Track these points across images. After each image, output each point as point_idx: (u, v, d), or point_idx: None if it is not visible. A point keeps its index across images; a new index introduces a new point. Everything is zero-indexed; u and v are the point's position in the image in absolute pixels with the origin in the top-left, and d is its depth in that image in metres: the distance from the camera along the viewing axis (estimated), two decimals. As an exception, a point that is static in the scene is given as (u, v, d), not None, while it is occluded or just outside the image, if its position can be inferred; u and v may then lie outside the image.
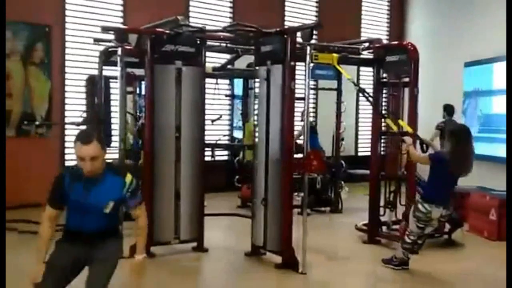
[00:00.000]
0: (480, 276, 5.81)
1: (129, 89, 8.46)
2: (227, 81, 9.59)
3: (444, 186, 5.56)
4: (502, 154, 9.46)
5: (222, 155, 10.05)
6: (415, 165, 6.60)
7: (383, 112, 7.22)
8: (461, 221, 7.20)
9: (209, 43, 6.69)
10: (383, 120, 7.09)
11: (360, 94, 7.10)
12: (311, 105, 10.63)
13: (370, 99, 6.80)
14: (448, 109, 9.72)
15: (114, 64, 6.28)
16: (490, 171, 9.82)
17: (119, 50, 6.06)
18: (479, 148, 10.03)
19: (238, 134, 9.76)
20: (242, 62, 8.30)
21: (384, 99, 7.77)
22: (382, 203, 7.13)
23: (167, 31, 6.11)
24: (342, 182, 9.34)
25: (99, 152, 3.49)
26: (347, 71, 6.74)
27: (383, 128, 7.26)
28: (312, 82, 9.89)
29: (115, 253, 3.75)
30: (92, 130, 6.30)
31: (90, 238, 3.62)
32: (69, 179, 3.56)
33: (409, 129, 6.31)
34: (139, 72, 7.04)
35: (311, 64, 5.94)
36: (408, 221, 5.77)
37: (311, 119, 9.77)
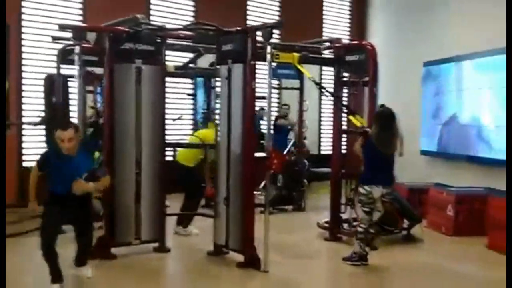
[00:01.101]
0: (438, 270, 5.93)
1: (89, 88, 8.35)
2: (189, 80, 9.55)
3: (377, 165, 5.83)
4: (460, 151, 9.69)
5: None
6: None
7: (344, 109, 7.29)
8: (419, 217, 7.33)
9: (170, 41, 6.64)
10: (345, 118, 7.17)
11: (323, 93, 7.16)
12: (274, 104, 10.66)
13: (330, 95, 6.86)
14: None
15: (73, 62, 6.18)
16: (448, 169, 10.06)
17: (77, 49, 5.96)
18: (437, 145, 10.29)
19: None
20: (206, 61, 8.28)
21: (345, 98, 7.86)
22: (343, 200, 7.21)
23: (127, 29, 6.05)
24: (305, 181, 9.41)
25: (74, 136, 4.71)
26: (310, 71, 6.80)
27: (344, 127, 7.34)
28: (275, 82, 10.01)
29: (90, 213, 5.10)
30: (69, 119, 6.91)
31: (71, 201, 4.74)
32: (53, 156, 4.79)
33: (364, 123, 6.47)
34: (99, 71, 6.94)
35: (273, 64, 5.96)
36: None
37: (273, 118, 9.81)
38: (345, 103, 7.46)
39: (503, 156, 8.65)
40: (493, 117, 8.89)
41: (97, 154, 4.89)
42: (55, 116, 7.30)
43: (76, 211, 4.83)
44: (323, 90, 6.88)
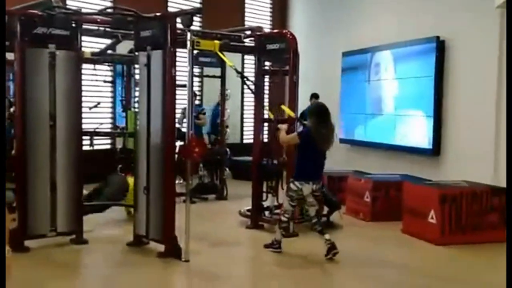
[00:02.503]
0: (355, 255, 6.10)
1: (0, 74, 7.94)
2: (108, 67, 9.28)
3: (311, 161, 5.82)
4: (377, 140, 10.02)
5: (103, 144, 9.73)
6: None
7: (265, 100, 7.35)
8: (338, 204, 7.51)
9: (87, 27, 6.42)
10: (267, 107, 7.22)
11: (245, 82, 7.17)
12: (196, 93, 10.58)
13: (252, 86, 6.88)
14: (316, 95, 10.14)
15: (-20, 47, 5.83)
16: (366, 156, 10.39)
17: (-15, 32, 5.63)
18: (355, 134, 10.61)
19: (121, 121, 9.50)
20: (125, 47, 8.07)
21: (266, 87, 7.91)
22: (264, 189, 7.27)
23: (39, 13, 5.78)
24: (227, 169, 9.41)
25: None
26: (232, 59, 6.77)
27: (265, 116, 7.38)
28: (197, 70, 9.92)
29: None
30: None
31: None
32: None
33: (292, 114, 6.50)
34: (10, 56, 6.60)
35: (195, 51, 5.89)
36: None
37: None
38: (266, 92, 7.52)
39: (416, 144, 9.07)
40: (410, 107, 9.26)
41: None
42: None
43: None
44: (244, 78, 6.88)
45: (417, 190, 7.05)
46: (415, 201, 6.90)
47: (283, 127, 6.15)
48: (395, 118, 9.62)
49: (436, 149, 8.75)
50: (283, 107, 6.71)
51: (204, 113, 9.84)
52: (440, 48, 8.63)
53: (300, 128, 6.41)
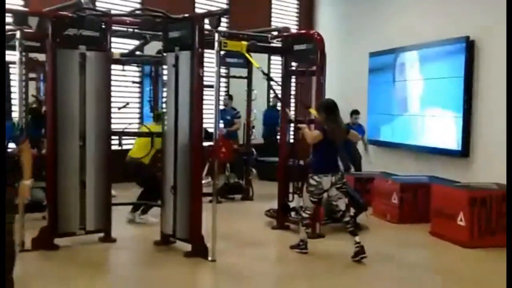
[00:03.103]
0: (382, 257, 6.06)
1: (33, 75, 8.10)
2: (136, 68, 9.38)
3: (327, 154, 5.88)
4: (405, 141, 9.93)
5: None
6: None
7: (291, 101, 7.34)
8: (365, 205, 7.46)
9: (116, 28, 6.50)
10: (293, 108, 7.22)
11: (271, 84, 7.18)
12: (223, 93, 10.62)
13: (277, 91, 6.89)
14: (356, 112, 10.01)
15: (14, 48, 5.96)
16: (393, 158, 10.30)
17: (18, 34, 5.75)
18: (382, 135, 10.53)
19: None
20: (153, 48, 8.14)
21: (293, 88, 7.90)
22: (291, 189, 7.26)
23: (70, 14, 5.87)
24: (253, 169, 9.43)
25: None
26: (259, 60, 6.78)
27: (291, 117, 7.37)
28: (223, 70, 9.97)
29: None
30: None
31: None
32: None
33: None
34: (42, 57, 6.73)
35: (222, 52, 5.92)
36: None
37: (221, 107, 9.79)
38: (292, 93, 7.52)
39: (444, 145, 8.95)
40: (439, 107, 9.14)
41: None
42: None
43: None
44: (270, 81, 6.89)
45: (446, 191, 6.97)
46: (444, 203, 6.82)
47: (303, 126, 6.17)
48: (424, 119, 9.52)
49: (465, 151, 8.63)
50: (311, 110, 6.70)
51: (239, 117, 9.89)
52: (470, 48, 8.52)
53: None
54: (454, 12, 9.00)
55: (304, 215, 6.02)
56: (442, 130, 9.02)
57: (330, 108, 5.90)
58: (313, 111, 6.60)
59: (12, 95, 7.29)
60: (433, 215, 7.04)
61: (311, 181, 5.85)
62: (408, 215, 7.63)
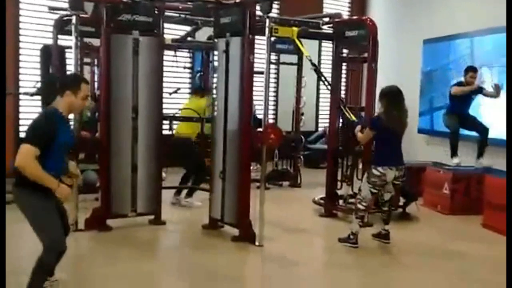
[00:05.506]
0: (433, 248, 5.96)
1: (87, 60, 8.29)
2: (187, 54, 9.46)
3: (389, 146, 5.69)
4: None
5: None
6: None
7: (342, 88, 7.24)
8: (415, 195, 7.34)
9: (168, 13, 6.57)
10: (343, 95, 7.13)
11: (319, 76, 7.11)
12: (272, 80, 10.60)
13: (326, 81, 6.81)
14: None
15: (70, 33, 6.11)
16: (445, 147, 10.05)
17: (74, 19, 5.88)
18: (435, 125, 10.27)
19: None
20: (204, 34, 8.20)
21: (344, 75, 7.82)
22: (339, 177, 7.21)
23: (124, 0, 5.97)
24: (301, 156, 9.41)
25: None
26: (309, 46, 6.71)
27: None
28: (273, 57, 9.93)
29: None
30: None
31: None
32: (59, 120, 3.63)
33: (353, 118, 6.52)
34: (97, 42, 6.87)
35: (272, 38, 5.89)
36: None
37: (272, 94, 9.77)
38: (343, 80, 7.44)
39: (502, 136, 8.65)
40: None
41: None
42: (51, 87, 7.24)
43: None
44: (318, 72, 6.83)
45: (500, 183, 6.76)
46: (498, 195, 6.62)
47: (356, 130, 6.07)
48: (478, 108, 9.23)
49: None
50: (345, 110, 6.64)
51: None
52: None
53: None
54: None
55: (360, 206, 5.80)
56: (498, 120, 8.72)
57: (392, 95, 5.67)
58: (347, 112, 6.47)
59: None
60: (486, 207, 6.85)
61: (375, 172, 5.63)
62: (460, 206, 7.46)
